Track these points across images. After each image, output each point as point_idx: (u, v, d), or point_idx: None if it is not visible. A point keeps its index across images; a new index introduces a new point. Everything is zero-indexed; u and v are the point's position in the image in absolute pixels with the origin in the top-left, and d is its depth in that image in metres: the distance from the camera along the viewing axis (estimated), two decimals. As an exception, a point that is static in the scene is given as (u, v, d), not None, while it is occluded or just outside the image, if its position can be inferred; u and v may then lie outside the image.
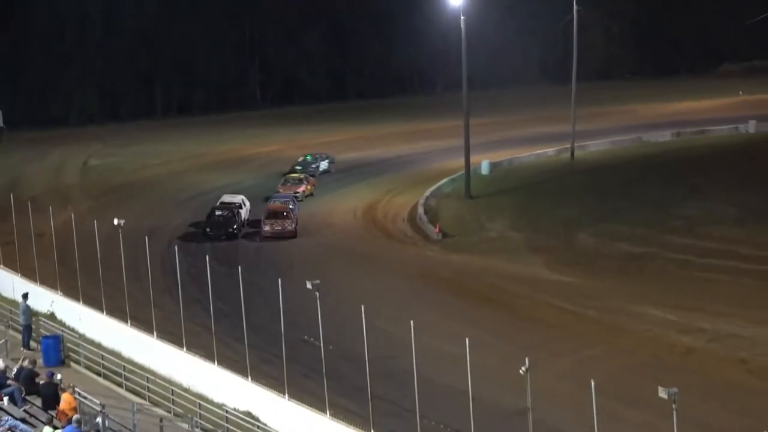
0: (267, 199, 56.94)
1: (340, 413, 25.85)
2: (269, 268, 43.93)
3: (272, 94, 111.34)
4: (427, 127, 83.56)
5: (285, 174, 63.93)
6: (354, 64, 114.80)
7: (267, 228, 47.84)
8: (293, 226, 48.85)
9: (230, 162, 78.20)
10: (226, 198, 54.67)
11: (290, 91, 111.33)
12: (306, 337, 31.18)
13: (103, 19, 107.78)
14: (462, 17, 61.54)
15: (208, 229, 48.78)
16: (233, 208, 52.65)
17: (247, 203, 55.50)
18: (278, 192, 58.19)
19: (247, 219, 53.40)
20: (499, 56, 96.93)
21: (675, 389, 18.17)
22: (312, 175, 64.04)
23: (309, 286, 31.45)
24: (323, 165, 67.18)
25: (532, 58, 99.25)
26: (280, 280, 30.66)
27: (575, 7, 71.44)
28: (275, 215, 49.70)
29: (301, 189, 59.62)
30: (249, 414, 28.38)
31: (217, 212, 51.49)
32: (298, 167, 64.15)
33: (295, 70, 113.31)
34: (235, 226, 49.31)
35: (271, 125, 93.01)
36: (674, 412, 18.01)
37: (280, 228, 47.95)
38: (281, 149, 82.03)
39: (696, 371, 32.47)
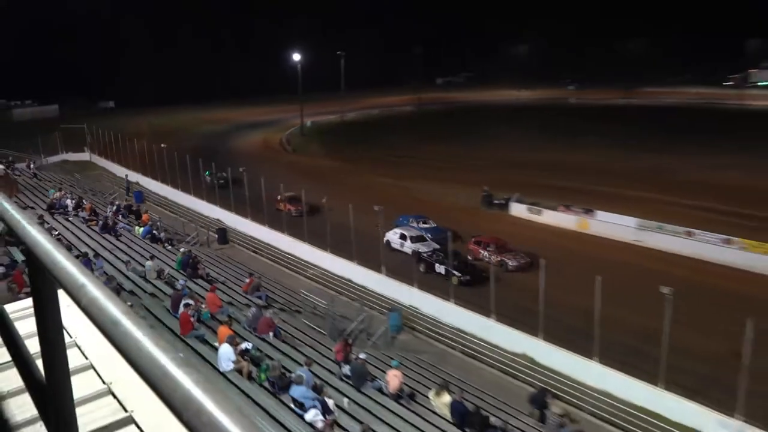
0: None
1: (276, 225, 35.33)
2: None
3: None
4: (286, 108, 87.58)
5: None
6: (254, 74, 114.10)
7: (514, 263, 30.46)
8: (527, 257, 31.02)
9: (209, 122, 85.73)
10: (408, 231, 33.74)
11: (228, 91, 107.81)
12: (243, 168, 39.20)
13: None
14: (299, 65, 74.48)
15: (468, 277, 28.38)
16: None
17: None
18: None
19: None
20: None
21: (381, 207, 27.24)
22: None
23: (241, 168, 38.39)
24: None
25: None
26: (212, 164, 40.75)
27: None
28: (503, 247, 31.72)
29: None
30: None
31: (434, 250, 31.17)
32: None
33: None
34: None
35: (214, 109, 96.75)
36: (379, 227, 27.75)
37: (524, 261, 30.55)
38: (225, 117, 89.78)
39: (402, 203, 39.66)
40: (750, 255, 30.54)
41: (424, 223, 35.71)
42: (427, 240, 33.03)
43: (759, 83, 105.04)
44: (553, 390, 20.26)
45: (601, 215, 36.85)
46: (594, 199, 39.68)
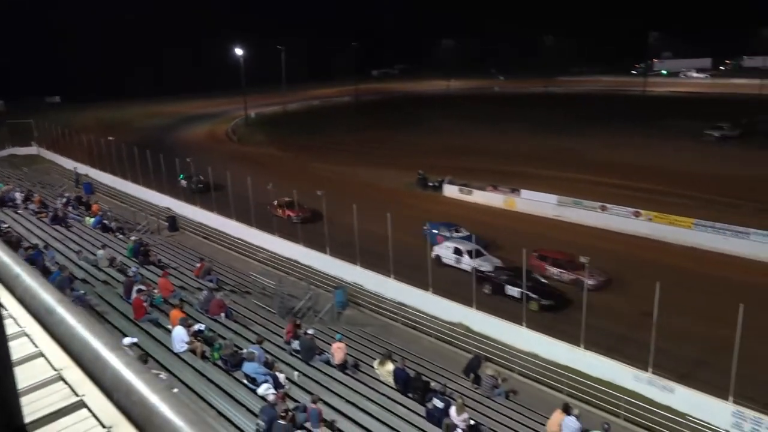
0: None
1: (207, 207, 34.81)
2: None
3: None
4: (231, 101, 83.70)
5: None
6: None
7: (593, 282, 23.58)
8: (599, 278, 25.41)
9: (160, 116, 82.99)
10: (464, 245, 27.78)
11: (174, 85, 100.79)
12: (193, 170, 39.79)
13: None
14: (242, 59, 71.49)
15: (550, 301, 23.74)
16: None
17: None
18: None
19: None
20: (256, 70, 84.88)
21: (323, 192, 26.39)
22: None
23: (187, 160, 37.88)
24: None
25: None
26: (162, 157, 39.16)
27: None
28: (572, 262, 25.60)
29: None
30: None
31: (502, 271, 25.80)
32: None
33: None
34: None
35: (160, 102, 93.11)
36: (324, 203, 26.59)
37: (603, 279, 25.53)
38: (172, 110, 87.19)
39: (339, 183, 41.14)
40: (656, 225, 32.07)
41: (457, 231, 30.40)
42: (485, 255, 27.27)
43: (661, 72, 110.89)
44: (486, 354, 20.71)
45: (525, 194, 37.86)
46: (519, 180, 40.50)
